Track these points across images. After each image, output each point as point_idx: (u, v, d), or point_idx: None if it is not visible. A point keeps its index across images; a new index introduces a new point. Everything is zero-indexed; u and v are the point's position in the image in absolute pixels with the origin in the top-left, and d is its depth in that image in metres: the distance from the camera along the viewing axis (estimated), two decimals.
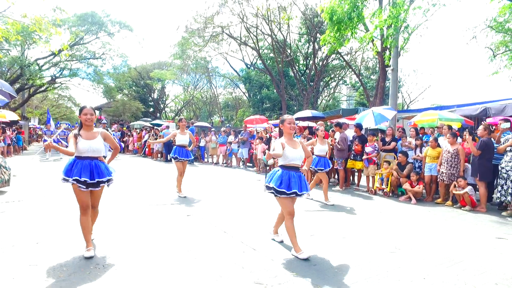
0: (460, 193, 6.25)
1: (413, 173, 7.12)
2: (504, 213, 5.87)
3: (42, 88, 30.17)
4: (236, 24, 22.47)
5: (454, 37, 54.00)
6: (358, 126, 8.31)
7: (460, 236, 4.57)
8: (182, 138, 6.87)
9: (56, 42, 33.71)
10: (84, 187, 3.45)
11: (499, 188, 6.00)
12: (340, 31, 10.92)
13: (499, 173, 6.01)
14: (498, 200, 6.17)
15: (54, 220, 4.79)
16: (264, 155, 11.65)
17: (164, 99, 44.83)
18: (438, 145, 7.18)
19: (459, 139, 7.86)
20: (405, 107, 32.65)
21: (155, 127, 17.95)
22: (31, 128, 31.63)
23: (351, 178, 9.10)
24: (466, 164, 6.72)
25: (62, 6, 10.71)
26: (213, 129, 16.12)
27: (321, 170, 6.61)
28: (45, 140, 12.69)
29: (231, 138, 13.73)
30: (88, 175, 3.45)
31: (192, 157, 5.81)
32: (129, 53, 50.00)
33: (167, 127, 17.01)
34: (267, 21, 22.17)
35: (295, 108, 27.60)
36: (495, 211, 6.17)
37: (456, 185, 6.42)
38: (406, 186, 7.08)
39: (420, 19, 13.30)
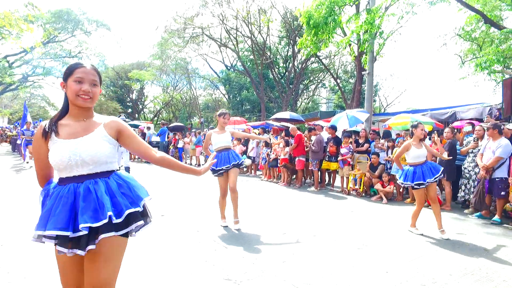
0: None
1: (385, 174, 7.38)
2: (466, 211, 6.19)
3: (13, 86, 29.13)
4: (216, 26, 22.48)
5: (428, 44, 56.10)
6: (333, 128, 8.54)
7: (423, 233, 4.80)
8: (223, 139, 4.91)
9: (28, 39, 32.37)
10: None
11: (463, 187, 6.33)
12: (317, 35, 11.18)
13: (462, 173, 6.34)
14: (463, 199, 6.50)
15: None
16: (244, 155, 11.76)
17: (143, 100, 44.14)
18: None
19: (428, 141, 8.24)
20: (382, 110, 33.59)
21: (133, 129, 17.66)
22: None
23: (326, 179, 9.31)
24: None
25: (34, 2, 10.35)
26: (193, 129, 16.04)
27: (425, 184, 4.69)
28: (28, 143, 12.02)
29: None
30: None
31: (242, 159, 4.98)
32: (106, 52, 48.80)
33: (148, 128, 16.84)
34: (247, 23, 22.31)
35: (274, 110, 27.86)
36: (459, 209, 6.49)
37: None
38: (378, 186, 7.33)
39: (394, 25, 13.80)
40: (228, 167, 4.76)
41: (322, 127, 9.27)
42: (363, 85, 17.14)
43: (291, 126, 9.47)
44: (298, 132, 9.05)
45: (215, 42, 24.78)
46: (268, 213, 5.90)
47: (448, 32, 16.19)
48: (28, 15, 24.53)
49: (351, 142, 8.46)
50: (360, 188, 7.78)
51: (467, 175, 6.21)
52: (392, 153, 7.60)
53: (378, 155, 7.77)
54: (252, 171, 11.72)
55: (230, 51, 28.87)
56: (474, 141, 6.27)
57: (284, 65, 29.40)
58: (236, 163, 4.79)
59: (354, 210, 6.35)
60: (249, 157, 11.41)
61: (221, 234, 4.46)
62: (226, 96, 34.79)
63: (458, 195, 6.75)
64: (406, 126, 9.16)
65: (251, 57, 27.76)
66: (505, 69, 12.18)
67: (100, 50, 30.19)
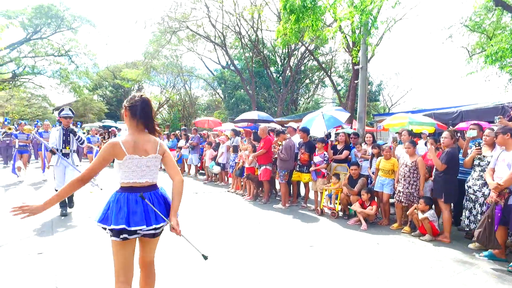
0: (419, 218, 4.88)
1: (364, 191, 5.70)
2: (471, 246, 4.52)
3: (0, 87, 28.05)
4: (202, 18, 20.81)
5: (432, 38, 53.69)
6: (304, 131, 6.88)
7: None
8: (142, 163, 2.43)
9: (10, 36, 31.36)
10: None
11: (467, 213, 4.64)
12: (298, 22, 9.56)
13: (466, 192, 4.66)
14: (468, 229, 4.81)
15: None
16: (213, 161, 10.17)
17: None
18: (399, 156, 5.82)
19: (423, 147, 6.56)
20: (387, 110, 31.80)
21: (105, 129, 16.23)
22: None
23: (302, 192, 7.68)
24: (429, 180, 5.36)
25: None
26: (165, 132, 14.50)
27: None
28: (22, 151, 9.94)
29: (181, 142, 12.18)
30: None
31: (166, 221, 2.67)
32: (97, 51, 47.81)
33: (119, 129, 15.38)
34: (236, 17, 20.70)
35: (271, 110, 26.24)
36: (460, 241, 4.82)
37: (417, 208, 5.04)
38: (356, 206, 5.67)
39: (390, 12, 12.10)
40: (141, 230, 2.21)
41: (295, 130, 7.62)
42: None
43: (261, 126, 7.84)
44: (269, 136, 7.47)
45: (203, 39, 23.14)
46: (211, 239, 4.29)
47: (454, 23, 14.34)
48: (7, 11, 23.50)
49: (327, 149, 6.82)
50: (335, 207, 6.13)
51: (473, 197, 4.52)
52: (376, 163, 5.94)
53: (358, 165, 6.12)
54: (225, 180, 10.12)
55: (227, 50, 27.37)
56: (475, 147, 4.58)
57: (282, 63, 27.75)
58: (159, 226, 2.29)
59: (319, 240, 4.70)
60: (218, 164, 9.83)
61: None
62: (222, 96, 33.28)
63: (462, 218, 5.08)
64: (404, 127, 7.52)
65: (247, 54, 26.24)
66: None
67: (91, 49, 28.85)
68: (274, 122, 11.25)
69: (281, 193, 6.85)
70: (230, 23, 21.31)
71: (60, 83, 29.16)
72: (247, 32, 22.80)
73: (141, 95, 2.31)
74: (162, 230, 2.37)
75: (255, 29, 21.64)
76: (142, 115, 2.25)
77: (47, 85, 38.06)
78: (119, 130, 14.78)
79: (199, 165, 11.59)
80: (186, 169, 12.36)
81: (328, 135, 8.82)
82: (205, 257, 2.39)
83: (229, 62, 30.16)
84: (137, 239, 2.30)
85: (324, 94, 38.52)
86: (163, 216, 2.24)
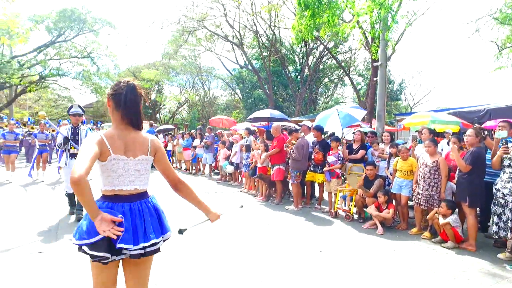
0: (440, 223, 4.49)
1: (381, 193, 5.35)
2: (500, 255, 4.09)
3: (27, 88, 29.07)
4: (219, 17, 20.74)
5: (457, 34, 51.43)
6: (318, 129, 6.56)
7: None
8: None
9: (37, 39, 32.38)
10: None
11: (495, 218, 4.21)
12: (313, 18, 9.24)
13: (494, 196, 4.23)
14: (496, 236, 4.37)
15: None
16: (226, 161, 10.00)
17: (159, 101, 43.47)
18: (416, 156, 5.43)
19: (447, 147, 6.13)
20: (409, 110, 30.77)
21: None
22: None
23: (316, 193, 7.37)
24: (450, 182, 4.95)
25: None
26: (180, 131, 14.46)
27: None
28: (42, 151, 9.79)
29: (196, 141, 12.08)
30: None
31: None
32: (118, 53, 49.11)
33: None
34: (253, 16, 20.51)
35: (289, 109, 25.88)
36: (488, 250, 4.39)
37: (438, 212, 4.65)
38: (372, 209, 5.32)
39: (411, 6, 11.51)
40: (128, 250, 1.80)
41: (309, 128, 7.31)
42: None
43: (274, 124, 7.58)
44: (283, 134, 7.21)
45: (220, 38, 23.08)
46: (216, 240, 4.10)
47: (482, 16, 13.52)
48: (34, 15, 24.31)
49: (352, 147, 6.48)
50: (350, 209, 5.80)
51: (502, 201, 4.09)
52: (393, 164, 5.56)
53: (374, 165, 5.76)
54: (238, 180, 9.93)
55: (245, 49, 27.27)
56: (503, 145, 4.12)
57: (300, 62, 27.35)
58: (156, 242, 1.89)
59: (329, 245, 4.40)
60: (231, 164, 9.65)
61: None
62: (240, 95, 33.24)
63: (489, 228, 4.64)
64: (426, 126, 7.07)
65: (265, 53, 26.00)
66: None
67: (111, 50, 29.47)
68: (288, 120, 10.93)
69: (293, 194, 6.57)
70: (248, 22, 21.16)
71: (82, 84, 29.98)
72: (265, 32, 22.59)
73: (128, 81, 1.89)
74: (156, 251, 1.86)
75: (272, 28, 21.38)
76: (129, 105, 1.84)
77: (70, 86, 39.36)
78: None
79: (213, 164, 11.46)
80: (201, 168, 12.28)
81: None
82: (181, 231, 2.09)
83: (247, 62, 30.10)
84: (122, 264, 1.89)
85: (344, 93, 37.78)
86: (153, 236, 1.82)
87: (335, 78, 29.08)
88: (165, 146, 14.25)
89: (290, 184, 7.24)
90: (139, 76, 33.71)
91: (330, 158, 6.22)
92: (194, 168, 12.46)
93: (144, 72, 30.13)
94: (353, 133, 6.70)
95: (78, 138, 5.42)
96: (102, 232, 1.62)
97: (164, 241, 1.92)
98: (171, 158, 13.87)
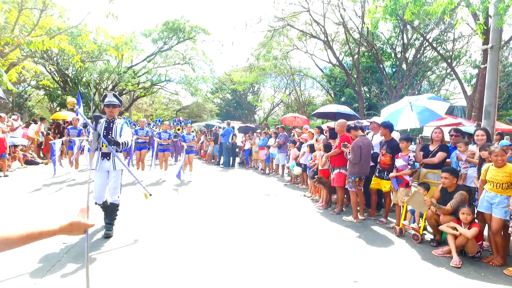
0: None
1: (466, 209, 4.04)
2: None
3: (141, 93, 33.34)
4: (300, 12, 20.03)
5: None
6: (386, 126, 5.42)
7: None
8: None
9: (146, 50, 36.65)
10: None
11: None
12: None
13: None
14: None
15: None
16: (294, 162, 9.39)
17: (255, 102, 44.86)
18: None
19: None
20: None
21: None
22: None
23: (382, 203, 6.20)
24: None
25: (115, 12, 10.55)
26: (258, 130, 14.31)
27: None
28: (72, 147, 9.29)
29: (271, 141, 11.76)
30: None
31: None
32: (213, 57, 52.11)
33: (222, 128, 15.72)
34: (343, 9, 19.23)
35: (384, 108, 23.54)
36: None
37: None
38: (448, 229, 4.07)
39: None
40: None
41: (379, 126, 6.17)
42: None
43: (339, 121, 6.67)
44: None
45: (309, 36, 22.36)
46: (245, 249, 3.70)
47: None
48: (145, 30, 27.80)
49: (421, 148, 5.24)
50: (420, 228, 4.60)
51: None
52: (482, 172, 4.18)
53: (453, 172, 4.43)
54: (306, 182, 9.20)
55: (337, 46, 25.96)
56: None
57: (396, 56, 24.63)
58: None
59: (369, 276, 3.46)
60: (299, 165, 8.99)
61: None
62: (332, 94, 31.80)
63: None
64: None
65: (362, 48, 24.17)
66: None
67: (207, 55, 31.68)
68: (358, 117, 9.67)
69: (351, 203, 5.62)
70: (334, 15, 19.99)
71: (182, 88, 32.99)
72: (356, 26, 21.02)
73: None
74: None
75: (364, 20, 19.69)
76: None
77: (174, 90, 43.82)
78: (222, 128, 15.10)
79: (287, 164, 10.96)
80: (275, 168, 11.90)
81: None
82: None
83: (341, 59, 28.58)
84: None
85: (455, 89, 32.58)
86: None
87: (442, 71, 25.30)
88: (244, 145, 14.35)
89: None
90: (233, 79, 35.45)
91: (398, 162, 5.09)
92: (268, 168, 12.16)
93: (234, 75, 31.42)
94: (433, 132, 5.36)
95: (112, 133, 4.33)
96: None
97: None
98: (248, 157, 13.86)
